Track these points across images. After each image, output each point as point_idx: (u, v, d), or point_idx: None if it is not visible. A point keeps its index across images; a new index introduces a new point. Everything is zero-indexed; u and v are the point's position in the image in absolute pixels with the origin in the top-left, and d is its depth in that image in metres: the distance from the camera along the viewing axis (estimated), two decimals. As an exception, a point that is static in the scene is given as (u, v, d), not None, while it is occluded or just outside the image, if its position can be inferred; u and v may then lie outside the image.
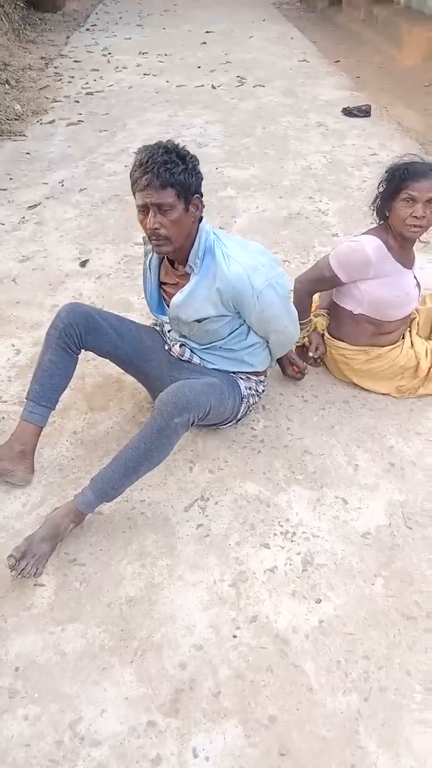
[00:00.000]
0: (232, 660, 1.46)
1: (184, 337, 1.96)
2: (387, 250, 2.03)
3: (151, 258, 1.93)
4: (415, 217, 1.93)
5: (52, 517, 1.67)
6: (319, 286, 2.22)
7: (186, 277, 1.82)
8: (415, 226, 1.96)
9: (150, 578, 1.64)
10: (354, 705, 1.38)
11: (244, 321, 1.89)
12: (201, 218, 1.77)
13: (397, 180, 1.95)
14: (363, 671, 1.44)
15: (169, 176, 1.60)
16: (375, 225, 2.12)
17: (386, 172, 2.01)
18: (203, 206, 1.75)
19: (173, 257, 1.84)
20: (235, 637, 1.51)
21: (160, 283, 1.96)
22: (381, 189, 2.03)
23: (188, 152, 1.69)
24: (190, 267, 1.78)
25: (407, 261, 2.09)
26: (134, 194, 1.68)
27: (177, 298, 1.83)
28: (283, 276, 1.85)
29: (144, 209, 1.66)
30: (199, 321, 1.84)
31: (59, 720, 1.36)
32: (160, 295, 1.97)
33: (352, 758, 1.30)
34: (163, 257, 1.91)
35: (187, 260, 1.78)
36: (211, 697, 1.40)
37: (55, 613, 1.56)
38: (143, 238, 1.89)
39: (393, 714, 1.37)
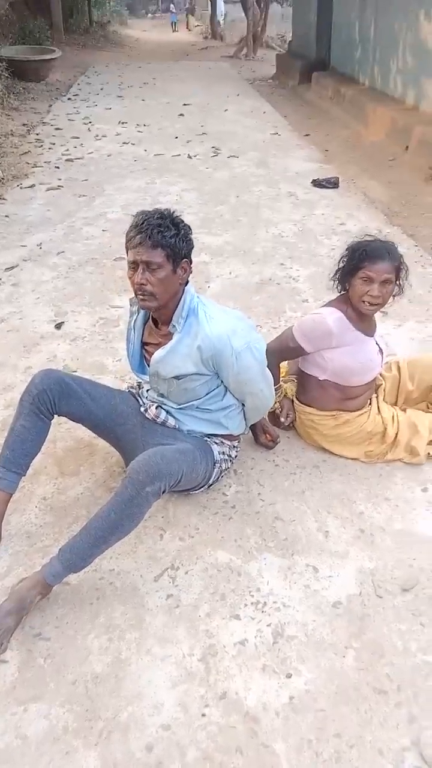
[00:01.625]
0: (200, 740, 1.42)
1: (162, 396, 1.99)
2: (348, 320, 2.11)
3: (136, 318, 2.00)
4: (371, 296, 2.03)
5: (18, 590, 1.63)
6: (285, 356, 2.30)
7: (169, 337, 1.89)
8: (371, 303, 2.05)
9: (117, 653, 1.60)
10: (325, 788, 1.35)
11: (222, 382, 1.93)
12: (187, 282, 1.86)
13: (356, 259, 2.05)
14: (334, 750, 1.41)
15: (161, 238, 1.72)
16: (337, 295, 2.21)
17: (346, 249, 2.11)
18: (191, 271, 1.86)
19: (157, 316, 1.90)
20: (204, 715, 1.47)
21: (143, 344, 2.01)
22: (341, 264, 2.13)
23: (182, 221, 1.81)
24: (173, 326, 1.85)
25: (368, 329, 2.18)
26: (127, 252, 1.79)
27: (159, 353, 1.88)
28: (261, 341, 1.93)
29: (134, 266, 1.77)
30: (178, 378, 1.88)
31: None
32: (142, 355, 2.02)
33: None
34: (148, 318, 1.98)
35: (170, 321, 1.85)
36: (179, 782, 1.35)
37: (17, 691, 1.50)
38: (130, 299, 1.98)
39: (365, 797, 1.33)
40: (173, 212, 1.81)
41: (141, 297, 1.79)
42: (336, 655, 1.61)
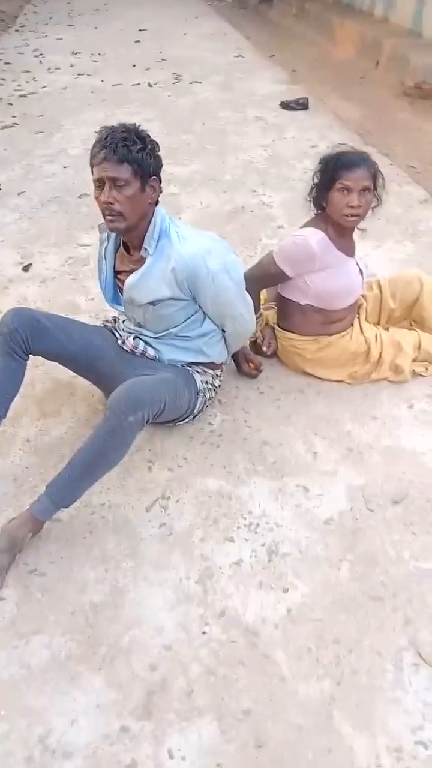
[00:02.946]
0: (202, 657, 1.45)
1: (139, 326, 1.93)
2: (329, 240, 2.05)
3: (106, 246, 1.92)
4: (351, 206, 1.96)
5: (8, 528, 1.61)
6: (265, 283, 2.23)
7: (141, 263, 1.81)
8: (351, 215, 1.98)
9: (114, 582, 1.61)
10: (327, 690, 1.39)
11: (200, 307, 1.88)
12: (157, 202, 1.77)
13: (331, 170, 1.96)
14: (334, 656, 1.45)
15: (126, 152, 1.62)
16: (312, 216, 2.13)
17: (319, 162, 2.03)
18: (161, 191, 1.76)
19: (128, 239, 1.82)
20: (204, 633, 1.49)
21: (116, 273, 1.93)
22: (316, 180, 2.04)
23: (149, 135, 1.71)
24: (145, 249, 1.77)
25: (349, 249, 2.12)
26: (92, 170, 1.69)
27: (132, 278, 1.81)
28: (238, 263, 1.87)
29: (100, 183, 1.68)
30: (153, 304, 1.82)
31: (28, 735, 1.31)
32: (116, 285, 1.95)
33: (329, 743, 1.30)
34: (119, 245, 1.89)
35: (142, 244, 1.77)
36: (184, 696, 1.38)
37: (17, 626, 1.51)
38: (99, 225, 1.89)
39: (366, 696, 1.38)
40: (138, 126, 1.70)
41: (109, 218, 1.70)
42: (331, 568, 1.64)
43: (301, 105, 5.15)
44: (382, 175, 2.01)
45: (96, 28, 8.77)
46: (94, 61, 6.93)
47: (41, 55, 7.24)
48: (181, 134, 4.69)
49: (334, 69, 6.21)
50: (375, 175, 1.97)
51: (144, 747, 1.29)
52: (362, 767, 1.26)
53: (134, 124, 1.71)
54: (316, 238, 2.03)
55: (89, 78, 6.29)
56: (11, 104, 5.50)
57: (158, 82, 6.09)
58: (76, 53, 7.29)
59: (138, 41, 7.93)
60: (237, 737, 1.31)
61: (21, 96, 5.72)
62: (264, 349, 2.30)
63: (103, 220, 1.77)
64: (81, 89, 5.91)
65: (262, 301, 2.37)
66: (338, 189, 1.95)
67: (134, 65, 6.74)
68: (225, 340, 2.04)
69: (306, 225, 2.13)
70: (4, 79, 6.25)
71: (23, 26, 8.94)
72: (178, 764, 1.27)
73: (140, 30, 8.54)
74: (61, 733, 1.31)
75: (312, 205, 2.10)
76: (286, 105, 5.19)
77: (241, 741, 1.30)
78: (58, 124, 4.99)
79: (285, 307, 2.25)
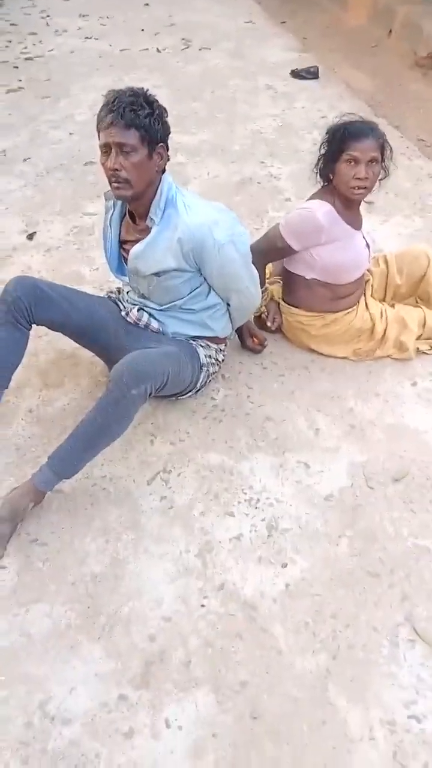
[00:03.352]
0: (201, 629, 1.46)
1: (143, 298, 1.91)
2: (336, 213, 2.01)
3: (112, 214, 1.88)
4: (359, 178, 1.91)
5: (10, 498, 1.62)
6: (271, 257, 2.19)
7: (147, 232, 1.78)
8: (359, 187, 1.94)
9: (115, 553, 1.62)
10: (323, 664, 1.40)
11: (205, 279, 1.85)
12: (164, 170, 1.74)
13: (338, 141, 1.92)
14: (331, 630, 1.46)
15: (134, 117, 1.58)
16: (319, 188, 2.09)
17: (326, 133, 1.98)
18: (168, 158, 1.72)
19: (133, 208, 1.79)
20: (203, 606, 1.51)
21: (121, 243, 1.90)
22: (322, 151, 1.99)
23: (156, 100, 1.66)
24: (151, 219, 1.74)
25: (356, 222, 2.08)
26: (98, 134, 1.65)
27: (137, 248, 1.78)
28: (245, 235, 1.83)
29: (106, 149, 1.64)
30: (158, 275, 1.79)
31: (28, 702, 1.34)
32: (120, 255, 1.92)
33: (323, 715, 1.32)
34: (125, 214, 1.86)
35: (148, 213, 1.74)
36: (182, 667, 1.39)
37: (18, 595, 1.52)
38: (105, 193, 1.86)
39: (361, 670, 1.39)
40: (146, 90, 1.65)
41: (115, 185, 1.66)
42: (330, 544, 1.64)
43: (312, 74, 5.01)
44: (390, 146, 1.96)
45: (104, -11, 8.51)
46: (102, 25, 6.74)
47: (48, 16, 7.04)
48: (189, 102, 4.58)
49: (346, 37, 6.04)
50: (383, 145, 1.93)
51: (141, 716, 1.31)
52: (356, 739, 1.29)
53: (142, 88, 1.66)
54: (322, 210, 1.99)
55: (97, 42, 6.12)
56: (17, 67, 5.37)
57: (167, 48, 5.93)
58: (83, 15, 7.09)
59: (147, 4, 7.70)
60: (233, 708, 1.33)
61: (27, 59, 5.58)
62: (268, 324, 2.28)
63: (109, 188, 1.74)
64: (88, 53, 5.76)
65: (267, 275, 2.34)
66: (345, 160, 1.91)
67: (143, 29, 6.56)
68: (229, 315, 2.02)
69: (312, 197, 2.09)
70: (9, 41, 6.09)
71: (29, -14, 8.68)
72: (174, 733, 1.29)
73: (149, -8, 8.29)
74: (60, 700, 1.33)
75: (318, 176, 2.06)
76: (296, 74, 5.05)
77: (237, 712, 1.32)
78: (65, 88, 4.88)
79: (291, 282, 2.22)
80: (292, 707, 1.33)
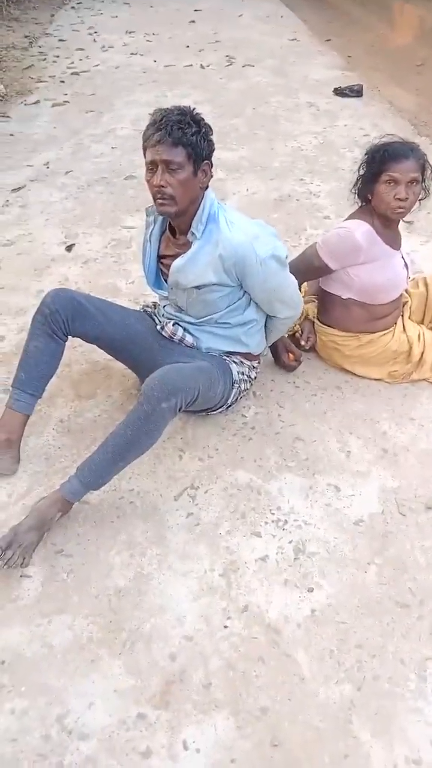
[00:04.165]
0: (223, 650, 1.44)
1: (180, 311, 1.92)
2: (375, 233, 1.99)
3: (152, 229, 1.90)
4: (399, 199, 1.90)
5: (38, 507, 1.63)
6: (308, 276, 2.18)
7: (187, 246, 1.80)
8: (399, 207, 1.92)
9: (139, 568, 1.61)
10: (347, 694, 1.36)
11: (244, 294, 1.86)
12: (207, 186, 1.76)
13: (378, 162, 1.91)
14: (356, 660, 1.42)
15: (181, 135, 1.61)
16: (357, 209, 2.07)
17: (366, 154, 1.97)
18: (212, 175, 1.74)
19: (176, 223, 1.81)
20: (226, 627, 1.48)
21: (159, 258, 1.92)
22: (361, 172, 1.99)
23: (203, 119, 1.69)
24: (192, 233, 1.76)
25: (394, 242, 2.06)
26: (144, 152, 1.68)
27: (179, 261, 1.80)
28: (284, 249, 1.85)
29: (152, 166, 1.66)
30: (198, 288, 1.80)
31: (46, 714, 1.33)
32: (158, 269, 1.94)
33: (346, 748, 1.28)
34: (165, 229, 1.89)
35: (189, 228, 1.76)
36: (202, 689, 1.37)
37: (41, 605, 1.53)
38: (146, 208, 1.88)
39: (386, 703, 1.35)
40: (193, 109, 1.68)
41: (160, 201, 1.68)
42: (358, 571, 1.61)
43: (356, 92, 5.01)
44: (431, 165, 1.94)
45: (151, 6, 8.69)
46: (148, 41, 6.88)
47: (95, 33, 7.22)
48: (231, 118, 4.63)
49: (392, 56, 6.03)
50: (423, 166, 1.91)
51: (159, 736, 1.30)
52: (378, 776, 1.24)
53: (189, 106, 1.69)
54: (361, 230, 1.98)
55: (142, 58, 6.25)
56: (63, 82, 5.51)
57: (211, 64, 6.01)
58: (130, 32, 7.25)
59: (193, 21, 7.83)
60: (253, 734, 1.30)
61: (73, 74, 5.72)
62: (302, 342, 2.26)
63: (151, 203, 1.75)
64: (133, 69, 5.88)
65: (302, 294, 2.33)
66: (385, 181, 1.90)
67: (188, 46, 6.67)
68: (266, 330, 2.01)
69: (350, 217, 2.07)
70: (57, 56, 6.26)
71: (79, 3, 8.92)
72: (192, 756, 1.27)
73: (195, 10, 8.43)
74: (79, 714, 1.33)
75: (357, 197, 2.04)
76: (339, 92, 5.06)
77: (258, 738, 1.29)
78: (108, 103, 4.98)
79: (326, 302, 2.20)
80: (313, 737, 1.30)
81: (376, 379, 2.22)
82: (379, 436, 2.01)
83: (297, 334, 2.27)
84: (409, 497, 1.80)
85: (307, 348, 2.27)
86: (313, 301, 2.30)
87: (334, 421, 2.06)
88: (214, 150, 1.72)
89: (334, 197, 3.48)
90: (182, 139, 1.61)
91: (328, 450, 1.95)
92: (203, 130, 1.66)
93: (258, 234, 1.76)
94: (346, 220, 2.08)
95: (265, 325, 2.01)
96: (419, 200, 1.97)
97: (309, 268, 2.10)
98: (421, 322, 2.29)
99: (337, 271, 2.07)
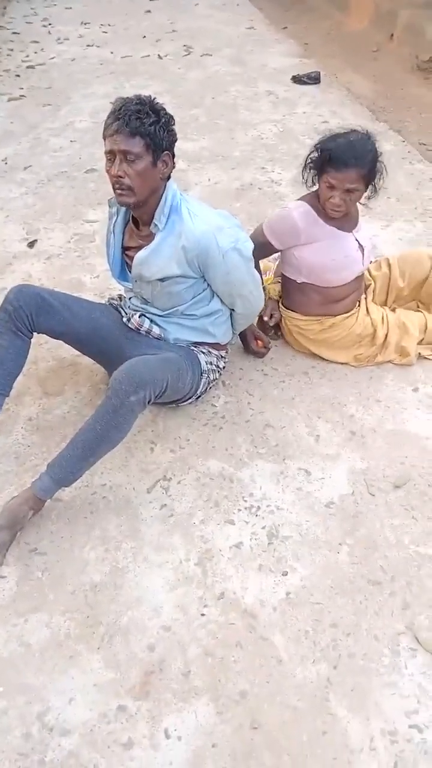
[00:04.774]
0: (201, 638, 1.45)
1: (146, 303, 1.91)
2: (315, 214, 2.01)
3: (115, 221, 1.89)
4: (333, 203, 1.94)
5: (9, 506, 1.62)
6: (256, 253, 2.19)
7: (150, 238, 1.79)
8: (333, 209, 1.96)
9: (114, 562, 1.61)
10: (323, 673, 1.39)
11: (209, 286, 1.86)
12: (169, 177, 1.74)
13: (320, 162, 1.93)
14: (331, 639, 1.45)
15: (139, 125, 1.59)
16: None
17: (315, 146, 1.97)
18: (174, 166, 1.73)
19: (138, 215, 1.80)
20: (203, 615, 1.50)
21: (124, 249, 1.91)
22: (309, 161, 1.99)
23: (164, 108, 1.67)
24: (155, 225, 1.74)
25: (344, 224, 2.06)
26: (104, 141, 1.66)
27: (141, 254, 1.79)
28: (248, 240, 1.85)
29: (111, 156, 1.65)
30: (162, 280, 1.80)
31: (26, 712, 1.33)
32: (123, 261, 1.93)
33: (323, 725, 1.31)
34: (129, 221, 1.87)
35: (152, 220, 1.74)
36: (181, 677, 1.39)
37: (17, 604, 1.52)
38: (109, 199, 1.87)
39: (362, 679, 1.38)
40: (153, 98, 1.66)
41: (118, 191, 1.67)
42: (330, 552, 1.63)
43: (313, 79, 5.02)
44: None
45: (106, -3, 8.56)
46: (104, 32, 6.78)
47: (50, 24, 7.08)
48: (190, 108, 4.60)
49: (348, 42, 6.05)
50: (370, 172, 1.91)
51: (141, 726, 1.31)
52: (356, 750, 1.27)
53: (150, 96, 1.67)
54: (299, 210, 2.01)
55: (98, 49, 6.16)
56: (19, 76, 5.40)
57: (168, 54, 5.96)
58: (85, 23, 7.13)
59: (148, 11, 7.74)
60: (233, 718, 1.32)
61: (29, 67, 5.61)
62: (265, 318, 2.25)
63: (113, 194, 1.74)
64: (90, 61, 5.79)
65: (269, 279, 2.35)
66: (324, 182, 1.93)
67: (144, 36, 6.60)
68: (231, 320, 2.02)
69: (302, 197, 2.10)
70: (12, 50, 6.13)
71: (32, -5, 8.74)
72: (174, 744, 1.28)
73: (151, 0, 8.34)
74: (59, 711, 1.33)
75: (303, 179, 2.04)
76: (298, 79, 5.06)
77: (237, 722, 1.31)
78: (66, 96, 4.90)
79: (286, 286, 2.23)
80: (292, 717, 1.32)
81: (342, 363, 2.24)
82: (347, 419, 2.04)
83: (261, 312, 2.28)
84: (378, 477, 1.83)
85: (272, 324, 2.27)
86: (278, 282, 2.32)
87: (302, 406, 2.08)
88: (175, 140, 1.70)
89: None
90: (140, 129, 1.59)
91: (297, 435, 1.98)
92: (163, 119, 1.64)
93: (221, 225, 1.75)
94: (296, 200, 2.11)
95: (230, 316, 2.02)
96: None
97: (257, 246, 2.10)
98: (384, 303, 2.32)
99: (287, 254, 2.11)
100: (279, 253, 2.19)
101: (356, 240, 2.10)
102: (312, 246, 2.04)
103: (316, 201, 2.02)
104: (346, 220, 2.07)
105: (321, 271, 2.08)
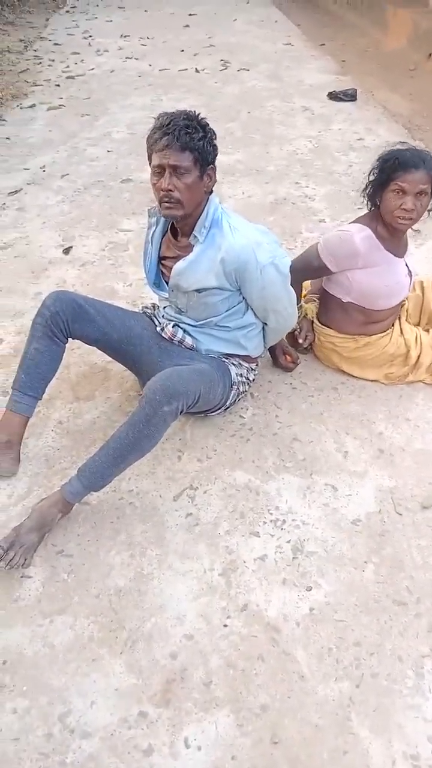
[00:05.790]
0: (223, 649, 1.45)
1: (180, 312, 1.93)
2: (376, 239, 2.00)
3: (154, 231, 1.92)
4: (405, 209, 1.90)
5: (39, 507, 1.64)
6: (308, 275, 2.20)
7: (188, 249, 1.82)
8: (404, 218, 1.92)
9: (139, 568, 1.62)
10: (346, 692, 1.38)
11: (244, 298, 1.88)
12: (211, 191, 1.78)
13: (388, 170, 1.91)
14: (354, 658, 1.44)
15: (189, 140, 1.63)
16: (366, 212, 2.08)
17: (377, 160, 1.97)
18: (216, 179, 1.77)
19: (179, 226, 1.83)
20: (225, 626, 1.50)
21: (160, 259, 1.94)
22: (372, 177, 1.99)
23: (208, 124, 1.72)
24: (195, 237, 1.78)
25: (398, 250, 2.06)
26: (150, 156, 1.70)
27: (180, 264, 1.82)
28: (286, 257, 1.87)
29: (159, 170, 1.68)
30: (198, 291, 1.82)
31: (48, 713, 1.34)
32: (159, 270, 1.96)
33: (345, 745, 1.30)
34: (167, 230, 1.91)
35: (192, 231, 1.78)
36: (203, 687, 1.39)
37: (42, 605, 1.54)
38: (148, 209, 1.90)
39: (385, 700, 1.37)
40: (198, 114, 1.70)
41: (166, 204, 1.70)
42: (356, 569, 1.62)
43: (350, 96, 5.05)
44: None
45: (146, 11, 8.74)
46: (143, 45, 6.91)
47: (90, 36, 7.25)
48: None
49: (385, 60, 6.08)
50: None
51: (161, 734, 1.31)
52: (377, 772, 1.26)
53: (194, 111, 1.72)
54: (361, 235, 1.99)
55: (137, 62, 6.28)
56: (59, 86, 5.53)
57: (206, 69, 6.05)
58: (125, 36, 7.28)
59: (187, 26, 7.88)
60: (253, 732, 1.31)
61: (69, 78, 5.75)
62: (300, 341, 2.27)
63: (150, 204, 1.77)
64: (128, 73, 5.90)
65: (303, 294, 2.35)
66: (393, 190, 1.90)
67: (182, 50, 6.71)
68: (264, 334, 2.03)
69: (357, 220, 2.08)
70: (53, 60, 6.29)
71: (74, 7, 8.96)
72: (193, 753, 1.28)
73: (190, 14, 8.48)
74: (81, 713, 1.34)
75: (366, 201, 2.04)
76: (334, 96, 5.10)
77: (257, 736, 1.31)
78: (104, 107, 5.00)
79: (327, 302, 2.22)
80: (312, 734, 1.31)
81: (372, 381, 2.24)
82: (376, 436, 2.03)
83: (295, 333, 2.29)
84: (406, 497, 1.82)
85: (305, 346, 2.28)
86: (314, 301, 2.32)
87: (330, 421, 2.08)
88: (217, 154, 1.75)
89: (329, 200, 3.50)
90: (189, 144, 1.63)
91: (325, 450, 1.97)
92: (209, 135, 1.68)
93: (261, 240, 1.78)
94: (351, 222, 2.10)
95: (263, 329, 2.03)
96: (429, 210, 1.97)
97: (308, 267, 2.12)
98: (417, 324, 2.32)
99: (337, 274, 2.09)
100: None
101: (406, 265, 2.09)
102: (368, 270, 2.02)
103: (374, 224, 2.00)
104: (400, 245, 2.06)
105: (373, 296, 2.07)
